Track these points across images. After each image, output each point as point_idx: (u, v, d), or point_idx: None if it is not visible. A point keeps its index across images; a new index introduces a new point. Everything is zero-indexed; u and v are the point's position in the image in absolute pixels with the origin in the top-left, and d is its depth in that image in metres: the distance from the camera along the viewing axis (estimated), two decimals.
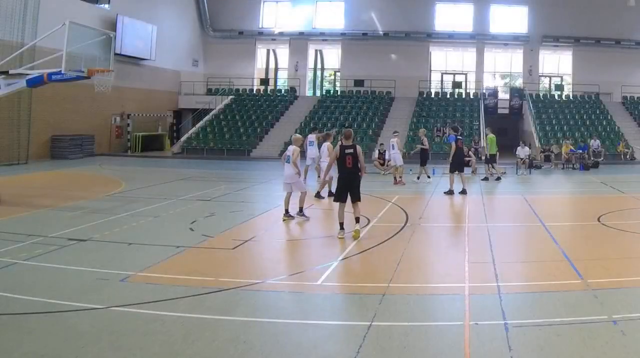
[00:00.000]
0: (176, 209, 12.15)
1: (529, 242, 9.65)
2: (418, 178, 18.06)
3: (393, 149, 18.01)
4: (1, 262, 7.53)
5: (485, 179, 18.94)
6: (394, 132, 19.78)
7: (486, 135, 20.54)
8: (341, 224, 9.36)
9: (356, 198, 9.44)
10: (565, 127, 29.80)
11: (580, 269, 7.40)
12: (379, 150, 21.89)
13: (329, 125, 30.47)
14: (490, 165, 19.35)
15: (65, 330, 5.28)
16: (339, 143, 9.82)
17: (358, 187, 9.51)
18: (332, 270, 7.49)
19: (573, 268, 7.51)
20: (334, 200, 9.72)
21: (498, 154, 21.23)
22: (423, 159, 18.18)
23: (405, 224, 10.66)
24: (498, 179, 18.82)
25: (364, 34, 35.60)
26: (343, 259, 8.06)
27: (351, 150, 9.39)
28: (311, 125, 30.59)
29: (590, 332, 5.26)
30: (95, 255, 8.13)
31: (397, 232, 9.88)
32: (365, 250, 8.58)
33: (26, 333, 5.18)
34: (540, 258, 8.23)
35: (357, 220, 9.38)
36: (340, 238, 9.20)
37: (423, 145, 18.42)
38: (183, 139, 30.47)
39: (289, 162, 10.99)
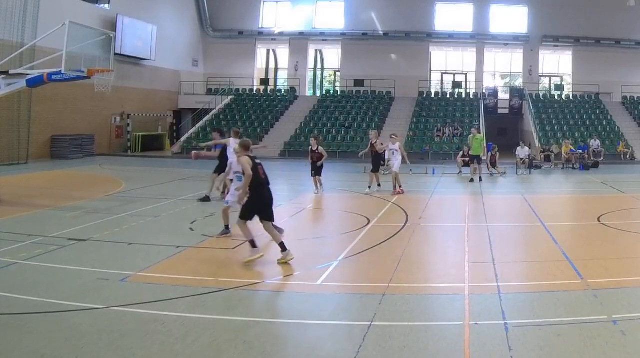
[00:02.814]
0: (176, 209, 12.15)
1: (529, 242, 9.65)
2: (376, 186, 15.59)
3: (394, 155, 15.49)
4: (1, 262, 7.53)
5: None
6: (392, 136, 16.45)
7: (472, 135, 19.28)
8: (252, 242, 7.78)
9: (270, 218, 7.86)
10: (565, 127, 29.80)
11: (580, 269, 7.40)
12: None
13: (329, 125, 30.50)
14: (479, 165, 18.83)
15: (65, 330, 5.28)
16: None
17: (271, 204, 7.99)
18: (332, 270, 7.49)
19: (573, 268, 7.51)
20: (241, 218, 7.78)
21: (496, 155, 21.29)
22: (375, 163, 15.67)
23: (405, 224, 10.66)
24: (471, 180, 18.29)
25: (364, 34, 35.59)
26: (343, 259, 8.05)
27: (259, 161, 7.91)
28: (311, 125, 30.64)
29: (590, 332, 5.26)
30: (95, 255, 8.14)
31: (397, 232, 9.88)
32: (365, 250, 8.58)
33: (26, 333, 5.18)
34: (540, 258, 8.23)
35: (283, 246, 7.75)
36: (250, 261, 7.66)
37: (374, 147, 15.78)
38: (183, 138, 30.45)
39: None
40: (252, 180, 7.62)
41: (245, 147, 7.99)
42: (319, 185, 15.00)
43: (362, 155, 17.74)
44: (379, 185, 15.67)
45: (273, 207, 8.02)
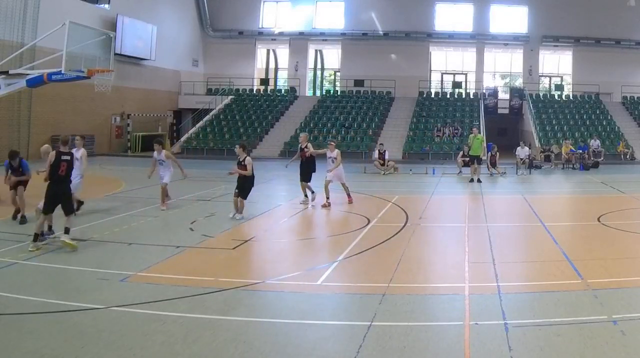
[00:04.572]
0: (176, 209, 12.15)
1: (529, 242, 9.66)
2: (307, 196, 13.29)
3: (334, 163, 13.21)
4: (1, 262, 7.53)
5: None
6: (330, 142, 14.26)
7: (473, 135, 19.36)
8: (37, 235, 8.36)
9: (70, 211, 8.66)
10: (565, 127, 29.80)
11: (580, 269, 7.40)
12: (378, 150, 21.91)
13: (329, 125, 30.49)
14: (479, 166, 18.75)
15: (65, 330, 5.28)
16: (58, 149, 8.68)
17: (70, 197, 8.86)
18: (332, 270, 7.50)
19: (573, 268, 7.51)
20: (44, 212, 8.49)
21: (496, 155, 21.30)
22: (306, 171, 13.21)
23: (405, 224, 10.66)
24: (471, 180, 18.26)
25: (364, 34, 35.61)
26: (343, 259, 8.06)
27: (68, 157, 8.63)
28: (311, 125, 30.62)
29: (590, 332, 5.26)
30: (95, 255, 8.14)
31: (397, 232, 9.88)
32: (365, 250, 8.58)
33: (26, 333, 5.18)
34: (540, 258, 8.23)
35: (67, 230, 8.41)
36: (33, 250, 8.10)
37: (304, 152, 13.38)
38: (183, 139, 30.47)
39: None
40: (51, 173, 8.46)
41: (63, 142, 8.81)
42: (239, 209, 11.14)
43: (288, 165, 14.41)
44: (305, 196, 13.22)
45: (58, 203, 8.61)
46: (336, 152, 13.40)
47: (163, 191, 12.24)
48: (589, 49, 34.67)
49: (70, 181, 8.90)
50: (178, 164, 12.47)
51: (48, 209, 8.52)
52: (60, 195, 8.53)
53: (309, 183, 13.19)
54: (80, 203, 11.29)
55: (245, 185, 11.16)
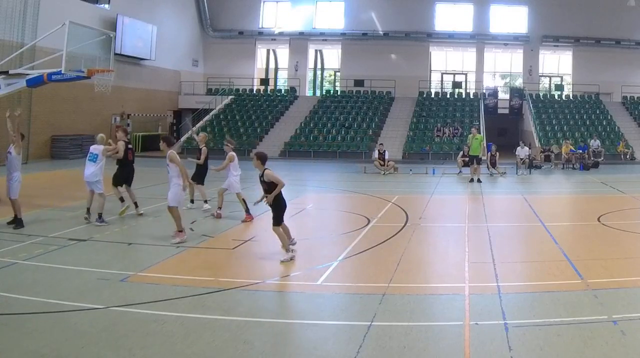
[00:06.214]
0: None
1: (529, 242, 9.66)
2: (192, 201, 12.40)
3: (235, 171, 11.47)
4: (1, 262, 7.53)
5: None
6: (225, 142, 12.57)
7: (472, 135, 19.54)
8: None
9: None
10: (565, 127, 29.79)
11: (580, 269, 7.40)
12: (378, 150, 21.91)
13: (328, 125, 30.49)
14: (479, 166, 18.78)
15: (65, 330, 5.28)
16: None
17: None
18: (332, 270, 7.50)
19: (573, 268, 7.51)
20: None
21: (496, 155, 21.29)
22: (200, 174, 12.51)
23: (405, 224, 10.66)
24: (471, 180, 18.34)
25: (364, 34, 35.60)
26: (343, 259, 8.06)
27: (130, 146, 11.53)
28: (311, 125, 30.62)
29: (590, 332, 5.26)
30: (95, 255, 8.14)
31: (397, 232, 9.88)
32: (365, 250, 8.59)
33: (26, 333, 5.19)
34: (540, 258, 8.24)
35: (136, 204, 11.44)
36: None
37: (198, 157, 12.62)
38: (183, 139, 30.43)
39: (94, 161, 11.07)
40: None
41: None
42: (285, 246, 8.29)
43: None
44: (205, 201, 12.10)
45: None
46: (228, 156, 11.47)
47: (174, 214, 9.13)
48: (589, 49, 34.66)
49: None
50: (183, 173, 9.21)
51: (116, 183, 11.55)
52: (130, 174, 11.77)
53: (202, 185, 12.36)
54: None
55: (274, 207, 8.21)
